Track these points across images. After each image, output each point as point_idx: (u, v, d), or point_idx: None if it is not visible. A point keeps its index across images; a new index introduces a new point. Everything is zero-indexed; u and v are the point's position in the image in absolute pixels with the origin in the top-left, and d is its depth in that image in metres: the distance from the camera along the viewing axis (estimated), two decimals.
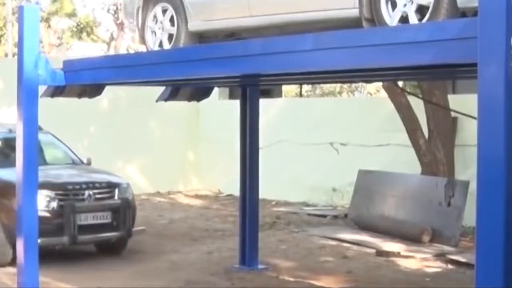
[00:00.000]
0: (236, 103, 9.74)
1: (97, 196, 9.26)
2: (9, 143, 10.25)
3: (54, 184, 9.19)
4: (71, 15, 30.13)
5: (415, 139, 11.83)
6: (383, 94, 14.92)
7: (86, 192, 9.17)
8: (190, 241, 10.82)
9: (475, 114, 3.91)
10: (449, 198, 10.47)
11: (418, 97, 11.58)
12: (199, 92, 9.15)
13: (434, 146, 11.69)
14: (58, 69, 7.22)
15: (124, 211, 9.29)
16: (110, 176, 10.02)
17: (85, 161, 10.63)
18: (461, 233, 10.45)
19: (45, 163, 10.06)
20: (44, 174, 9.23)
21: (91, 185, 9.34)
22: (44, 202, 8.78)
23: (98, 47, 30.65)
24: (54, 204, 8.92)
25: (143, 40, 7.16)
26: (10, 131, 10.12)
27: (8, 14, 25.64)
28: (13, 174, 8.75)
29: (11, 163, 9.47)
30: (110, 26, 30.83)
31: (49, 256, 8.25)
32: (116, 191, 9.49)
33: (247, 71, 6.24)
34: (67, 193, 9.10)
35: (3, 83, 14.26)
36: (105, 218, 9.18)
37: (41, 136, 10.24)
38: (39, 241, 7.80)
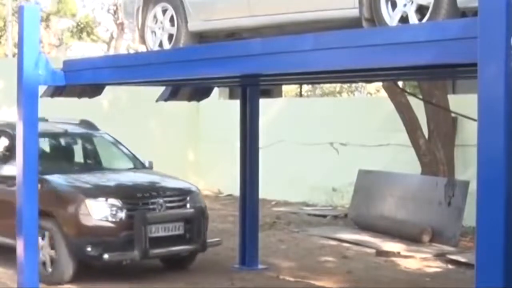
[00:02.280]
0: (236, 103, 9.74)
1: (169, 204, 8.31)
2: (66, 146, 9.84)
3: (121, 192, 8.34)
4: (73, 15, 30.15)
5: (415, 139, 11.83)
6: (383, 94, 14.92)
7: (157, 201, 8.22)
8: None
9: (475, 114, 3.91)
10: (449, 198, 10.47)
11: (418, 98, 11.59)
12: (199, 92, 9.15)
13: (434, 146, 11.69)
14: (58, 69, 7.22)
15: (198, 221, 8.31)
16: (180, 181, 9.16)
17: (146, 164, 9.70)
18: (461, 233, 10.44)
19: (100, 167, 9.53)
20: (105, 180, 8.87)
21: (161, 192, 8.46)
22: (111, 212, 7.94)
23: (98, 47, 30.65)
24: (122, 214, 7.96)
25: (143, 40, 7.16)
26: (66, 132, 9.68)
27: (8, 14, 25.64)
28: (73, 180, 8.51)
29: (68, 169, 9.23)
30: (110, 26, 30.85)
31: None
32: (188, 198, 8.57)
33: (247, 71, 6.24)
34: (136, 201, 8.15)
35: (3, 83, 14.26)
36: (177, 229, 8.22)
37: (95, 138, 9.87)
38: (106, 256, 7.70)
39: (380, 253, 9.91)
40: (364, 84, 25.17)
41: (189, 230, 8.27)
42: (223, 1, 6.62)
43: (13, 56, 22.56)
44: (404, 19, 5.03)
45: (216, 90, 13.38)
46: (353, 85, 28.71)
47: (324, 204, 14.29)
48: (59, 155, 9.73)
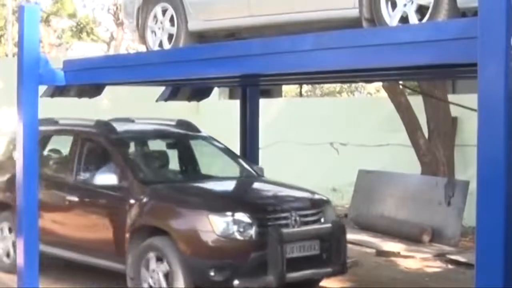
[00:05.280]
0: (236, 103, 9.74)
1: (303, 219, 7.00)
2: (164, 151, 8.54)
3: (249, 205, 7.06)
4: (72, 15, 30.14)
5: (415, 139, 11.83)
6: (383, 94, 14.92)
7: (290, 215, 6.91)
8: None
9: (475, 114, 3.91)
10: (449, 198, 10.46)
11: (419, 92, 11.57)
12: (199, 92, 9.15)
13: (434, 146, 11.69)
14: (58, 69, 7.22)
15: (337, 239, 7.02)
16: (307, 191, 7.74)
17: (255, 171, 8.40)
18: (461, 233, 10.44)
19: (208, 175, 8.35)
20: (224, 190, 7.80)
21: (293, 204, 7.17)
22: (238, 229, 6.62)
23: (98, 47, 30.64)
24: (251, 232, 6.63)
25: (143, 40, 7.16)
26: (164, 134, 8.63)
27: (8, 14, 25.64)
28: (185, 191, 7.51)
29: (173, 177, 8.25)
30: (110, 26, 30.87)
31: None
32: (323, 211, 7.29)
33: (247, 71, 6.24)
34: (267, 216, 6.84)
35: (3, 83, 14.26)
36: (312, 248, 6.90)
37: (197, 141, 8.67)
38: (236, 282, 6.50)
39: (380, 253, 9.91)
40: (364, 84, 25.17)
41: (326, 249, 6.98)
42: (223, 1, 6.62)
43: (13, 56, 22.57)
44: (404, 19, 5.02)
45: (216, 90, 13.37)
46: (353, 85, 28.71)
47: None
48: (159, 162, 8.40)
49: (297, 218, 6.91)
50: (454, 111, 11.66)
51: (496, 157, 3.81)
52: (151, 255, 6.82)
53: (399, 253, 9.85)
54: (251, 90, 9.12)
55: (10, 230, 8.54)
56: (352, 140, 14.01)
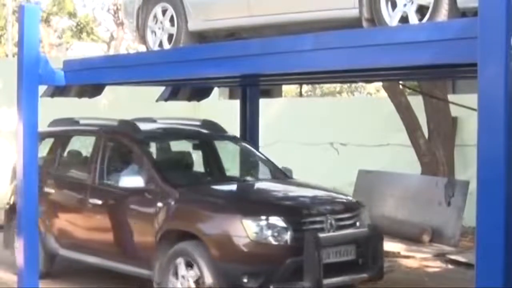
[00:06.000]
0: (236, 103, 9.73)
1: (339, 223, 6.72)
2: (189, 152, 8.33)
3: (284, 208, 6.78)
4: (72, 15, 30.14)
5: (415, 139, 11.83)
6: (383, 94, 14.91)
7: (326, 218, 6.63)
8: None
9: (475, 114, 3.91)
10: (449, 198, 10.46)
11: (419, 91, 11.57)
12: (199, 92, 9.15)
13: (434, 146, 11.69)
14: (58, 69, 7.22)
15: (374, 244, 6.73)
16: (339, 193, 7.62)
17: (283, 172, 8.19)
18: (461, 233, 10.44)
19: (236, 177, 8.19)
20: (256, 193, 7.56)
21: (328, 208, 6.88)
22: (273, 233, 6.34)
23: (98, 47, 30.64)
24: (286, 236, 6.35)
25: (143, 40, 7.16)
26: (189, 134, 8.34)
27: (8, 14, 25.64)
28: (215, 194, 7.24)
29: (200, 179, 8.00)
30: (110, 26, 30.87)
31: None
32: (358, 215, 7.03)
33: (247, 71, 6.24)
34: (302, 220, 6.55)
35: (3, 83, 14.24)
36: (349, 253, 6.62)
37: (224, 141, 8.47)
38: None
39: None
40: (364, 84, 25.17)
41: (362, 255, 6.69)
42: (223, 1, 6.62)
43: (13, 56, 22.56)
44: (404, 19, 5.03)
45: (216, 90, 13.36)
46: (353, 85, 28.72)
47: None
48: (185, 163, 8.14)
49: (333, 222, 6.63)
50: (454, 111, 11.65)
51: (496, 157, 3.81)
52: (180, 261, 6.55)
53: (399, 253, 9.85)
54: (251, 90, 9.11)
55: None
56: (352, 140, 14.00)
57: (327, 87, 29.83)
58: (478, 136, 3.88)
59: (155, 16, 7.01)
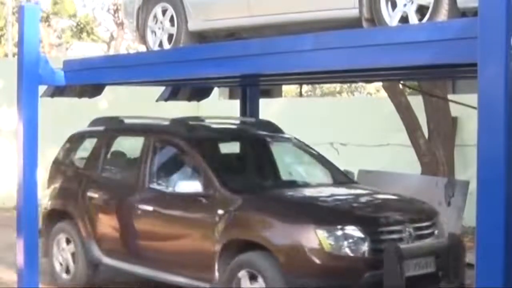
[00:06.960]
0: (236, 103, 9.73)
1: (417, 232, 6.16)
2: (245, 154, 7.80)
3: (360, 217, 6.18)
4: (72, 15, 30.16)
5: (415, 139, 11.82)
6: (383, 94, 14.91)
7: (404, 228, 6.06)
8: None
9: (475, 114, 3.91)
10: (449, 198, 10.45)
11: (419, 91, 11.56)
12: (199, 92, 9.15)
13: (434, 146, 11.69)
14: (58, 69, 7.22)
15: (454, 255, 6.15)
16: (416, 201, 6.96)
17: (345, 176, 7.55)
18: (461, 233, 10.43)
19: (299, 181, 7.52)
20: (326, 200, 6.70)
21: (406, 216, 6.30)
22: (349, 244, 5.76)
23: (98, 47, 30.64)
24: (364, 247, 5.76)
25: (143, 40, 7.16)
26: (244, 135, 7.73)
27: (8, 14, 25.65)
28: (282, 201, 6.51)
29: (261, 184, 7.23)
30: (110, 26, 30.87)
31: None
32: (435, 224, 6.52)
33: (247, 71, 6.24)
34: (380, 230, 5.97)
35: (3, 83, 14.25)
36: (428, 266, 6.05)
37: (282, 143, 7.92)
38: None
39: None
40: (364, 84, 25.18)
41: (442, 267, 6.13)
42: (223, 1, 6.62)
43: (13, 56, 22.57)
44: (404, 19, 5.03)
45: (216, 90, 13.36)
46: (353, 85, 28.72)
47: None
48: (245, 167, 7.66)
49: (411, 232, 6.09)
50: (454, 111, 11.66)
51: (496, 157, 3.81)
52: (243, 273, 5.98)
53: None
54: (251, 90, 9.11)
55: (68, 241, 7.77)
56: (352, 140, 14.00)
57: (327, 87, 29.83)
58: (478, 136, 3.88)
59: (155, 16, 7.01)
